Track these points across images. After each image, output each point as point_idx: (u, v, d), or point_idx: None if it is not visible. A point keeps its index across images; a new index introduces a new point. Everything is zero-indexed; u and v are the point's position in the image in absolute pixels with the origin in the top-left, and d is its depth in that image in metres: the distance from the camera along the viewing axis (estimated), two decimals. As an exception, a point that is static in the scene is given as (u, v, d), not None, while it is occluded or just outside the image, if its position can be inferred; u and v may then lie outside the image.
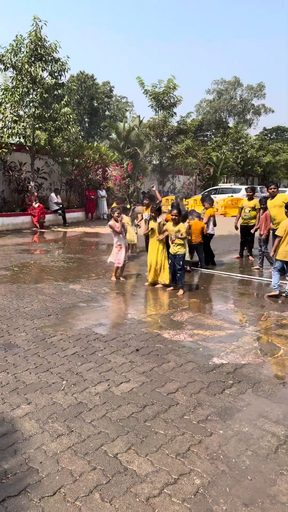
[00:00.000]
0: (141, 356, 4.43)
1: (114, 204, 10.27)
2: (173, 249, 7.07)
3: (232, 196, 24.52)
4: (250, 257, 9.90)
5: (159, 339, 4.93)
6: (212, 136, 52.75)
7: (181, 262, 7.04)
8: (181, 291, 7.00)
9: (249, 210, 9.50)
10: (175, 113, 26.15)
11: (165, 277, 7.37)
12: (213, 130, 58.95)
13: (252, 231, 9.38)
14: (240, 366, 4.25)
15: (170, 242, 7.15)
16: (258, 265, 8.98)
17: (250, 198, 9.63)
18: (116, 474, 2.64)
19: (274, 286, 6.89)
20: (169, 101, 25.33)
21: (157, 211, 7.41)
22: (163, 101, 25.25)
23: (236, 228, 9.98)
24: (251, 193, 9.64)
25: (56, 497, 2.44)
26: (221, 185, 31.02)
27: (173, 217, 7.03)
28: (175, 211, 7.02)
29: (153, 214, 7.44)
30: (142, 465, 2.73)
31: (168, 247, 7.40)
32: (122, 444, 2.94)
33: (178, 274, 7.05)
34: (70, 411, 3.35)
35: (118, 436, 3.03)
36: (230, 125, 55.62)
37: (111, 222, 7.81)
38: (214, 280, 8.10)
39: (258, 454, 2.86)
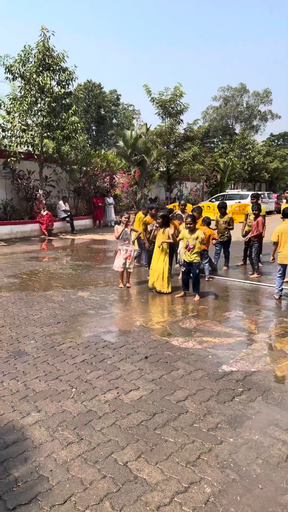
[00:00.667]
0: (150, 363, 4.43)
1: (141, 215, 10.00)
2: (190, 257, 7.10)
3: (239, 202, 24.48)
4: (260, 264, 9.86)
5: (168, 347, 4.93)
6: (219, 143, 52.87)
7: (197, 270, 7.10)
8: (197, 297, 7.05)
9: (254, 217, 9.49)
10: (182, 120, 26.27)
11: (164, 286, 7.43)
12: (220, 137, 59.12)
13: (246, 239, 9.35)
14: (249, 373, 4.23)
15: (185, 249, 7.16)
16: (256, 273, 8.97)
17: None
18: (126, 482, 2.64)
19: (276, 290, 7.09)
20: (175, 108, 25.45)
21: (163, 219, 7.45)
22: (170, 108, 25.39)
23: (244, 236, 9.97)
24: (255, 200, 9.66)
25: (67, 506, 2.45)
26: (228, 191, 31.02)
27: (188, 225, 7.09)
28: (189, 219, 7.08)
29: (159, 222, 7.49)
30: (152, 473, 2.73)
31: (171, 256, 7.50)
32: (132, 452, 2.94)
33: (194, 282, 7.11)
34: (79, 419, 3.36)
35: (127, 444, 3.03)
36: (237, 131, 55.71)
37: (116, 226, 7.90)
38: (222, 287, 8.08)
39: (269, 463, 2.85)
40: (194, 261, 7.08)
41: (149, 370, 4.26)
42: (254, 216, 8.90)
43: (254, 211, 8.87)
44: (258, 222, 8.70)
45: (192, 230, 7.11)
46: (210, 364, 4.43)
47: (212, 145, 56.76)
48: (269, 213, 24.79)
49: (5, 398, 3.70)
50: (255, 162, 39.85)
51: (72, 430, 3.20)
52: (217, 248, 9.65)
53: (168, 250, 7.53)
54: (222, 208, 9.69)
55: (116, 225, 7.92)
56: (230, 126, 62.33)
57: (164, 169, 28.07)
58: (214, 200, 26.38)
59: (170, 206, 17.71)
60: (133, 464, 2.82)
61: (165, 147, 26.44)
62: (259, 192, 23.48)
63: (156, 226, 7.70)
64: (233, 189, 38.69)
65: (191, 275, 7.14)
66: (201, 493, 2.55)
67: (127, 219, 7.76)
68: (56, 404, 3.59)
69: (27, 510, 2.40)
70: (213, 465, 2.81)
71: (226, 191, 32.58)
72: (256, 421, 3.36)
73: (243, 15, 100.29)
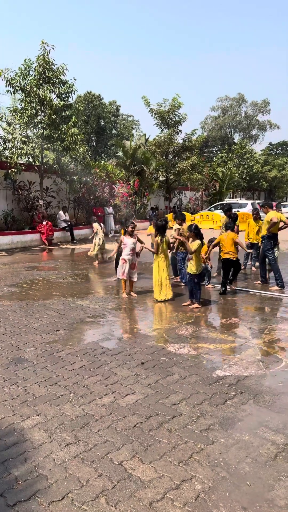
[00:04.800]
0: (146, 369, 4.57)
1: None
2: (190, 268, 7.28)
3: (238, 211, 24.69)
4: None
5: (164, 353, 5.07)
6: (218, 152, 53.31)
7: (195, 279, 7.22)
8: (195, 305, 7.19)
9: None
10: (180, 131, 26.66)
11: (167, 293, 7.60)
12: (219, 146, 59.64)
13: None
14: (242, 378, 4.37)
15: (187, 261, 7.43)
16: (261, 280, 9.10)
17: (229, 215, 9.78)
18: (121, 480, 2.78)
19: None
20: (174, 119, 25.85)
21: (161, 228, 7.63)
22: (168, 119, 25.78)
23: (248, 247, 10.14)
24: (229, 213, 9.84)
25: (64, 502, 2.58)
26: (227, 200, 31.28)
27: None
28: (192, 233, 7.24)
29: (157, 231, 7.67)
30: (146, 471, 2.86)
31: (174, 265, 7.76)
32: (127, 452, 3.07)
33: (192, 290, 7.29)
34: (77, 421, 3.50)
35: (123, 445, 3.16)
36: (236, 141, 56.19)
37: (122, 236, 8.02)
38: (218, 294, 8.22)
39: (257, 461, 2.98)
40: (191, 272, 7.25)
41: (145, 375, 4.40)
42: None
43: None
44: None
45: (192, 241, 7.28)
46: (204, 369, 4.57)
47: (211, 154, 57.29)
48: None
49: (6, 402, 3.84)
50: (254, 171, 40.24)
51: (70, 432, 3.34)
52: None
53: (169, 261, 7.75)
54: (228, 211, 9.65)
55: (122, 236, 8.04)
56: (229, 136, 62.87)
57: (163, 178, 28.38)
58: (213, 209, 26.61)
59: (169, 216, 17.90)
60: (128, 463, 2.95)
61: (164, 157, 26.78)
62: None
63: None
64: (232, 198, 39.01)
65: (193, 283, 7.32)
66: (192, 490, 2.69)
67: (133, 229, 7.90)
68: (55, 408, 3.73)
69: (26, 506, 2.54)
70: (204, 464, 2.94)
71: (225, 200, 32.86)
72: (247, 422, 3.49)
73: (241, 26, 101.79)
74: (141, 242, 8.18)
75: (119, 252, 9.09)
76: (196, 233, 7.20)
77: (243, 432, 3.35)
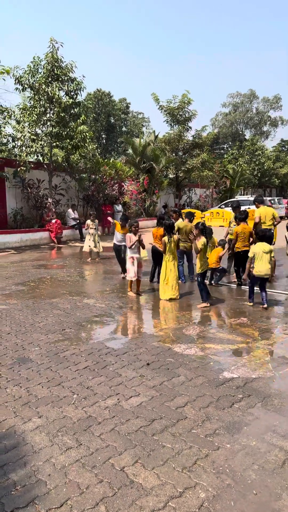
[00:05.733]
0: (152, 370, 4.48)
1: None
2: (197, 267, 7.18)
3: (249, 208, 24.42)
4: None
5: (170, 353, 4.97)
6: (229, 149, 52.88)
7: (199, 277, 7.14)
8: (202, 304, 7.09)
9: (234, 225, 9.47)
10: (190, 127, 26.39)
11: (173, 293, 7.53)
12: (230, 143, 59.19)
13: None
14: (250, 380, 4.25)
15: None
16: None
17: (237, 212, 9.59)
18: (122, 487, 2.69)
19: None
20: (184, 115, 25.60)
21: (169, 228, 7.53)
22: (178, 116, 25.55)
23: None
24: (237, 209, 9.65)
25: (63, 509, 2.50)
26: (238, 197, 30.97)
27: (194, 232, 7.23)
28: (197, 231, 7.12)
29: (165, 230, 7.60)
30: (148, 478, 2.77)
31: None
32: (129, 457, 2.98)
33: (199, 289, 7.19)
34: (79, 424, 3.42)
35: (125, 449, 3.07)
36: (247, 137, 55.68)
37: (127, 234, 7.93)
38: (227, 294, 8.09)
39: (264, 468, 2.87)
40: (197, 272, 7.16)
41: (150, 377, 4.30)
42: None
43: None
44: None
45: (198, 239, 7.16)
46: (211, 371, 4.46)
47: (222, 151, 56.86)
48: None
49: (8, 404, 3.77)
50: (265, 167, 39.81)
51: (71, 435, 3.26)
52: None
53: (176, 259, 7.64)
54: (236, 208, 9.53)
55: (128, 234, 7.95)
56: (240, 132, 62.36)
57: (173, 176, 28.19)
58: (223, 206, 26.36)
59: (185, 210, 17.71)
60: (129, 469, 2.86)
61: (174, 154, 26.57)
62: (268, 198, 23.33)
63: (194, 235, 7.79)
64: (243, 195, 38.65)
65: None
66: (195, 498, 2.59)
67: (136, 228, 7.80)
68: (57, 410, 3.66)
69: (24, 513, 2.46)
70: (209, 471, 2.84)
71: (236, 197, 32.54)
72: (254, 427, 3.38)
73: (251, 22, 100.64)
74: (143, 247, 7.97)
75: (118, 250, 9.26)
76: (202, 230, 7.07)
77: (250, 437, 3.24)
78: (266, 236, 7.05)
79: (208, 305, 7.05)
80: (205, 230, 7.13)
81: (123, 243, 8.97)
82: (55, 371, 4.49)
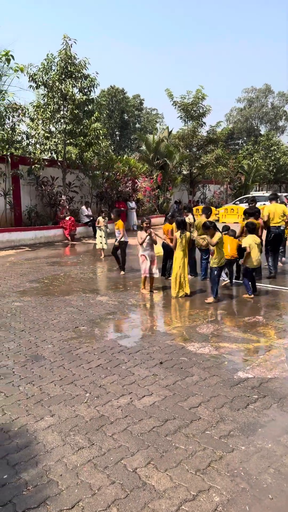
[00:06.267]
0: (165, 369, 4.42)
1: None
2: (213, 261, 7.16)
3: (264, 204, 24.13)
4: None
5: (183, 352, 4.90)
6: (244, 144, 52.30)
7: (214, 272, 7.11)
8: (210, 299, 7.11)
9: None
10: (204, 123, 26.18)
11: (184, 290, 7.50)
12: (245, 138, 58.51)
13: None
14: (266, 380, 4.16)
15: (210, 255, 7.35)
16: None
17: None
18: (134, 489, 2.64)
19: None
20: (198, 111, 25.39)
21: (181, 224, 7.47)
22: (192, 111, 25.35)
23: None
24: (253, 204, 9.58)
25: (74, 511, 2.47)
26: (253, 193, 30.61)
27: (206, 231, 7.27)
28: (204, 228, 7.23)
29: (177, 226, 7.55)
30: (161, 480, 2.72)
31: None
32: (142, 458, 2.94)
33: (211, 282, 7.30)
34: (92, 424, 3.39)
35: (138, 450, 3.03)
36: (262, 132, 55.01)
37: (138, 232, 7.88)
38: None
39: (280, 472, 2.79)
40: (212, 266, 7.12)
41: (164, 376, 4.25)
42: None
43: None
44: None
45: (212, 236, 7.12)
46: (225, 371, 4.39)
47: (237, 147, 56.25)
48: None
49: (20, 402, 3.77)
50: (281, 163, 39.25)
51: (83, 435, 3.23)
52: None
53: (186, 256, 7.57)
54: (253, 202, 9.55)
55: (139, 231, 7.90)
56: (255, 128, 61.59)
57: (187, 172, 28.01)
58: (238, 202, 26.09)
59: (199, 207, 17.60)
60: (142, 470, 2.82)
61: (188, 150, 26.39)
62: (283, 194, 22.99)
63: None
64: (258, 191, 38.20)
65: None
66: (209, 502, 2.53)
67: (148, 224, 7.74)
68: (69, 408, 3.63)
69: (35, 514, 2.44)
70: (223, 474, 2.78)
71: (251, 193, 32.17)
72: (270, 429, 3.30)
73: (267, 15, 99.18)
74: (155, 243, 7.90)
75: (115, 247, 9.54)
76: (214, 226, 7.15)
77: (266, 439, 3.16)
78: (255, 228, 7.49)
79: (215, 300, 7.06)
80: (215, 226, 7.19)
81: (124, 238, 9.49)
82: (67, 369, 4.47)
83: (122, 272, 9.74)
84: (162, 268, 8.99)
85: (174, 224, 7.96)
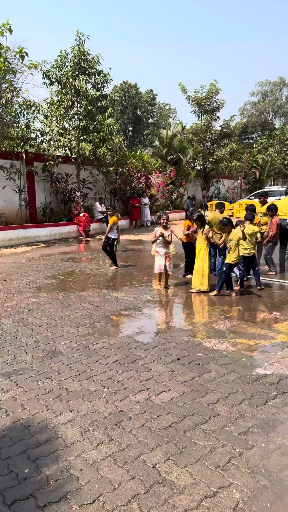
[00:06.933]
0: (182, 365, 4.41)
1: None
2: (229, 257, 7.18)
3: (279, 199, 23.85)
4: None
5: (200, 348, 4.89)
6: (258, 139, 51.68)
7: (224, 267, 7.17)
8: (214, 292, 7.29)
9: (261, 216, 9.26)
10: (218, 117, 25.89)
11: (204, 283, 7.47)
12: (259, 132, 57.84)
13: (264, 243, 8.93)
14: (284, 377, 4.12)
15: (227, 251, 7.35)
16: (271, 270, 8.82)
17: (263, 203, 9.34)
18: (154, 484, 2.65)
19: None
20: (211, 105, 25.12)
21: (198, 220, 7.46)
22: (206, 106, 25.10)
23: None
24: (261, 199, 9.40)
25: (95, 505, 2.48)
26: (268, 188, 30.25)
27: (223, 229, 7.35)
28: (221, 225, 7.32)
29: (195, 223, 7.57)
30: (180, 476, 2.72)
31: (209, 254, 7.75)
32: (161, 454, 2.94)
33: (219, 277, 7.34)
34: (110, 419, 3.40)
35: (157, 446, 3.03)
36: (276, 126, 54.29)
37: (157, 228, 7.78)
38: (255, 288, 7.90)
39: (301, 470, 2.76)
40: (227, 262, 7.12)
41: (181, 372, 4.24)
42: (269, 216, 8.68)
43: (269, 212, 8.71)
44: (273, 222, 8.57)
45: (228, 233, 7.18)
46: (243, 367, 4.36)
47: (251, 141, 55.65)
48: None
49: (39, 397, 3.80)
50: (296, 157, 38.65)
51: (102, 430, 3.25)
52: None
53: (207, 249, 7.53)
54: (262, 197, 9.41)
55: (156, 228, 7.81)
56: (269, 121, 60.82)
57: (201, 167, 27.81)
58: (252, 197, 25.84)
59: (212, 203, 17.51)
60: (162, 466, 2.82)
61: (201, 145, 26.16)
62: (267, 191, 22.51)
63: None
64: (273, 185, 37.76)
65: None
66: (229, 499, 2.52)
67: (165, 221, 7.69)
68: (88, 404, 3.65)
69: (57, 508, 2.46)
70: (243, 470, 2.76)
71: (266, 187, 31.82)
72: (290, 426, 3.26)
73: (280, 6, 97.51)
74: (169, 243, 7.78)
75: (104, 242, 9.73)
76: (231, 224, 7.20)
77: (286, 436, 3.13)
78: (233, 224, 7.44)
79: (216, 293, 7.22)
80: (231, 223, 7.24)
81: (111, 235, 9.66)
82: (85, 364, 4.49)
83: (114, 267, 9.94)
84: (185, 266, 8.92)
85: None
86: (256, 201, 22.47)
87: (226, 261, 7.15)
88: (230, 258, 7.05)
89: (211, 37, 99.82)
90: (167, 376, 4.16)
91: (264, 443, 3.05)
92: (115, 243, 10.02)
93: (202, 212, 9.23)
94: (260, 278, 7.79)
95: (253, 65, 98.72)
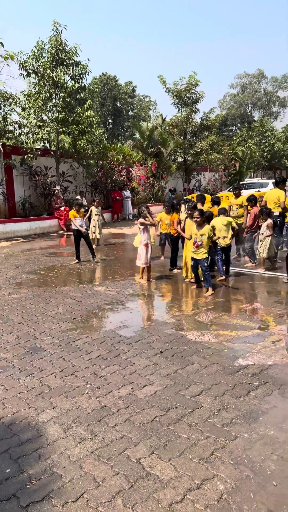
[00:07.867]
0: (165, 358, 4.41)
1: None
2: (196, 254, 6.91)
3: (259, 191, 24.06)
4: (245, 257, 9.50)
5: (183, 341, 4.89)
6: (237, 131, 51.97)
7: (205, 263, 6.90)
8: (210, 291, 6.86)
9: (236, 208, 9.33)
10: (198, 110, 25.89)
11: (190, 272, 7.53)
12: (238, 125, 58.17)
13: (244, 234, 8.96)
14: (266, 367, 4.16)
15: (193, 245, 6.97)
16: (251, 261, 8.92)
17: (237, 195, 9.40)
18: (138, 479, 2.64)
19: None
20: (191, 97, 25.08)
21: (194, 209, 7.34)
22: (185, 98, 25.05)
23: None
24: (236, 191, 9.45)
25: (79, 503, 2.46)
26: (248, 180, 30.49)
27: (195, 219, 6.92)
28: (197, 213, 6.89)
29: (189, 211, 7.51)
30: (165, 470, 2.71)
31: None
32: (145, 448, 2.93)
33: (205, 275, 6.93)
34: (94, 415, 3.37)
35: (141, 440, 3.02)
36: (256, 118, 54.67)
37: (141, 219, 7.68)
38: (236, 279, 7.96)
39: (283, 459, 2.79)
40: (201, 258, 6.90)
41: (164, 365, 4.24)
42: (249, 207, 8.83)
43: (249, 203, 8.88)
44: (251, 212, 8.72)
45: (200, 225, 6.90)
46: (225, 358, 4.38)
47: (231, 133, 55.93)
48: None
49: (21, 395, 3.74)
50: (275, 149, 39.08)
51: (86, 426, 3.22)
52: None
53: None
54: (236, 189, 9.46)
55: (141, 219, 7.72)
56: (249, 114, 61.22)
57: (181, 160, 27.81)
58: (231, 190, 26.00)
59: (189, 197, 17.54)
60: (146, 460, 2.81)
61: (182, 138, 26.13)
62: (241, 184, 22.68)
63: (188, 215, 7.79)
64: (253, 177, 38.08)
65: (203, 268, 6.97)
66: (214, 490, 2.53)
67: (147, 214, 7.61)
68: (70, 400, 3.62)
69: (40, 508, 2.43)
70: (227, 462, 2.78)
71: (245, 180, 32.06)
72: (272, 416, 3.30)
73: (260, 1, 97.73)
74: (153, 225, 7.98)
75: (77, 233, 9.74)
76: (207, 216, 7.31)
77: (268, 426, 3.16)
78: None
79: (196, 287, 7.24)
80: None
81: (81, 228, 9.67)
82: (67, 360, 4.45)
83: (76, 261, 9.93)
84: (171, 260, 8.82)
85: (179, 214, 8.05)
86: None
87: (202, 257, 6.96)
88: (225, 242, 7.32)
89: (190, 28, 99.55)
90: (150, 369, 4.15)
91: (247, 434, 3.07)
92: (87, 234, 9.99)
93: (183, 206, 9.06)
94: (242, 270, 7.86)
95: (232, 58, 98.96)
